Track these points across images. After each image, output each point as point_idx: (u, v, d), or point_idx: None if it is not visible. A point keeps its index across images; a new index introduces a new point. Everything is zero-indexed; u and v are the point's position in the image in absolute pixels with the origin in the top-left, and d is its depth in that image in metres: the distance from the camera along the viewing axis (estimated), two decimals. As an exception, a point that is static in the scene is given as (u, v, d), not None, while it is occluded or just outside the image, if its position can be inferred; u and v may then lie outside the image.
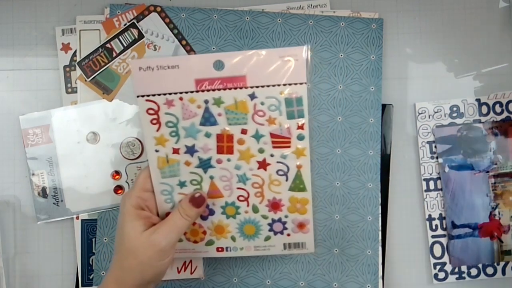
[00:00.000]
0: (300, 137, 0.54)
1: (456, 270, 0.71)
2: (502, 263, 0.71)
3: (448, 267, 0.71)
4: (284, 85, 0.52)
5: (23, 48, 0.70)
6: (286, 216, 0.58)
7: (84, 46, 0.69)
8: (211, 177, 0.57)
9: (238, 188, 0.57)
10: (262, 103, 0.53)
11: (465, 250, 0.71)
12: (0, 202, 0.69)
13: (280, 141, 0.54)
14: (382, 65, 0.70)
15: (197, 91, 0.53)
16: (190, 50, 0.69)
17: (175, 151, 0.55)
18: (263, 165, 0.56)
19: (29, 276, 0.69)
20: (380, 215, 0.69)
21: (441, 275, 0.71)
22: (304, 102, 0.53)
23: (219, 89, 0.53)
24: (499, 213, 0.71)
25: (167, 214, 0.57)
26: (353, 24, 0.70)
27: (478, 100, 0.72)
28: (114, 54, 0.68)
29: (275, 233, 0.59)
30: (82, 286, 0.68)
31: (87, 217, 0.68)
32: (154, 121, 0.54)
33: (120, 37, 0.69)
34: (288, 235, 0.59)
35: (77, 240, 0.68)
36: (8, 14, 0.70)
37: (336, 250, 0.69)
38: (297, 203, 0.58)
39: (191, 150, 0.55)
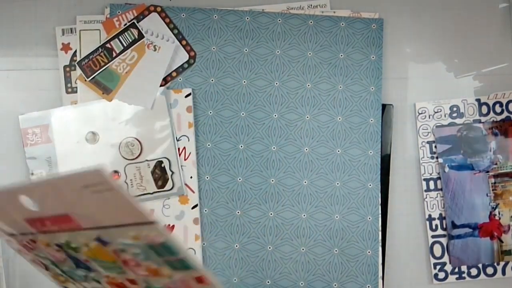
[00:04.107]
0: None
1: (456, 270, 0.71)
2: (502, 263, 0.71)
3: (448, 267, 0.71)
4: (128, 225, 0.34)
5: (23, 48, 0.70)
6: None
7: (84, 46, 0.69)
8: None
9: None
10: (123, 250, 0.37)
11: (465, 250, 0.71)
12: (0, 202, 0.69)
13: None
14: (382, 65, 0.70)
15: (39, 232, 0.38)
16: (190, 50, 0.69)
17: None
18: None
19: (29, 276, 0.69)
20: (380, 215, 0.69)
21: (441, 275, 0.71)
22: (177, 249, 0.35)
23: (58, 231, 0.37)
24: (499, 213, 0.71)
25: None
26: (353, 24, 0.70)
27: (478, 100, 0.72)
28: (114, 54, 0.68)
29: None
30: (81, 286, 0.68)
31: (87, 217, 0.68)
32: (38, 261, 0.43)
33: (120, 37, 0.69)
34: None
35: (77, 240, 0.68)
36: (8, 14, 0.70)
37: (336, 250, 0.69)
38: None
39: None
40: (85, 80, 0.68)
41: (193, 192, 0.69)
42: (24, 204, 0.36)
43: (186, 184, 0.69)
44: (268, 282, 0.69)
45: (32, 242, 0.40)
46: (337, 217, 0.69)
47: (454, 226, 0.71)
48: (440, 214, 0.71)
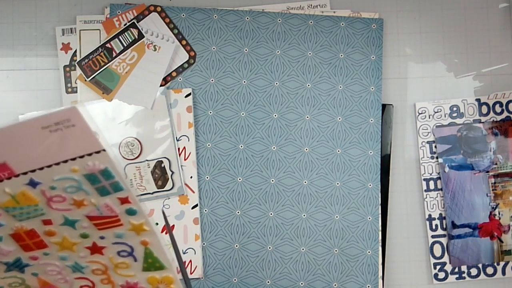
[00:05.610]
0: (130, 212, 0.43)
1: (456, 270, 0.71)
2: (502, 263, 0.71)
3: (448, 267, 0.71)
4: (73, 159, 0.39)
5: (23, 48, 0.70)
6: None
7: (84, 46, 0.69)
8: (35, 274, 0.48)
9: (77, 278, 0.48)
10: (53, 188, 0.40)
11: (465, 250, 0.71)
12: (0, 202, 0.69)
13: (104, 222, 0.44)
14: (382, 65, 0.70)
15: None
16: (190, 50, 0.69)
17: None
18: (96, 249, 0.46)
19: None
20: (380, 215, 0.69)
21: (441, 275, 0.71)
22: (115, 173, 0.40)
23: None
24: (499, 213, 0.71)
25: None
26: (353, 24, 0.70)
27: (478, 100, 0.72)
28: (114, 54, 0.68)
29: None
30: (82, 286, 0.68)
31: (87, 217, 0.68)
32: None
33: (120, 37, 0.69)
34: None
35: (77, 240, 0.68)
36: (8, 14, 0.70)
37: (336, 250, 0.69)
38: (159, 283, 0.48)
39: None
40: (85, 80, 0.68)
41: (193, 192, 0.69)
42: None
43: (186, 184, 0.69)
44: (268, 282, 0.69)
45: None
46: (337, 217, 0.69)
47: (454, 226, 0.71)
48: (440, 214, 0.71)
